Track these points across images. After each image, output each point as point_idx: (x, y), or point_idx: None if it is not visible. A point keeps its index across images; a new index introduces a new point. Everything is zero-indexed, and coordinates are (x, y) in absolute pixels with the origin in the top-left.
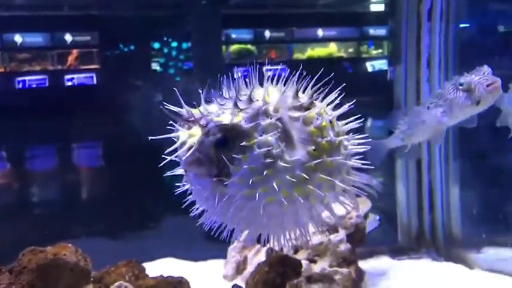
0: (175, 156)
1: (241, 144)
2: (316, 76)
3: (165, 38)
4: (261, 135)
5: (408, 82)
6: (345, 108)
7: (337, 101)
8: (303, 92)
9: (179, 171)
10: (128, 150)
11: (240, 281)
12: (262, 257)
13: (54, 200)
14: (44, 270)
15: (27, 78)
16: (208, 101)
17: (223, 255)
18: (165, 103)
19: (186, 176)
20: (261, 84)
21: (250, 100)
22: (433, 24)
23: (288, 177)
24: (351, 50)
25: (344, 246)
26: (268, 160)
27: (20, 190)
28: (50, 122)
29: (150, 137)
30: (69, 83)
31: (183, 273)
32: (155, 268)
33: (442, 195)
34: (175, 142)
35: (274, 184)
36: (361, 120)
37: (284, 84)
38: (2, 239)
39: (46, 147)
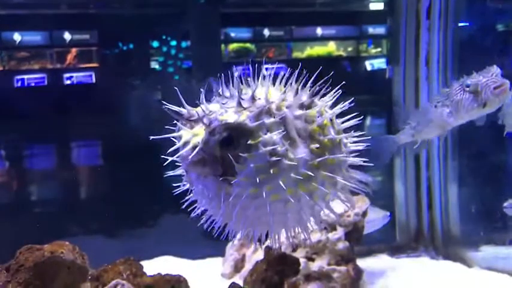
0: (176, 156)
1: (247, 142)
2: (315, 74)
3: (164, 37)
4: (266, 134)
5: (407, 80)
6: (344, 106)
7: (336, 99)
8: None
9: (179, 171)
10: (127, 149)
11: (238, 279)
12: (260, 255)
13: (52, 198)
14: (40, 268)
15: (26, 76)
16: (208, 100)
17: (221, 253)
18: (165, 102)
19: (187, 176)
20: (261, 83)
21: (253, 99)
22: (432, 22)
23: (293, 175)
24: (350, 49)
25: (342, 245)
26: (273, 158)
27: (18, 189)
28: (49, 120)
29: (151, 137)
30: (68, 82)
31: (181, 271)
32: (153, 266)
33: (441, 193)
34: (175, 141)
35: (281, 182)
36: (360, 119)
37: (284, 83)
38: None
39: (44, 146)
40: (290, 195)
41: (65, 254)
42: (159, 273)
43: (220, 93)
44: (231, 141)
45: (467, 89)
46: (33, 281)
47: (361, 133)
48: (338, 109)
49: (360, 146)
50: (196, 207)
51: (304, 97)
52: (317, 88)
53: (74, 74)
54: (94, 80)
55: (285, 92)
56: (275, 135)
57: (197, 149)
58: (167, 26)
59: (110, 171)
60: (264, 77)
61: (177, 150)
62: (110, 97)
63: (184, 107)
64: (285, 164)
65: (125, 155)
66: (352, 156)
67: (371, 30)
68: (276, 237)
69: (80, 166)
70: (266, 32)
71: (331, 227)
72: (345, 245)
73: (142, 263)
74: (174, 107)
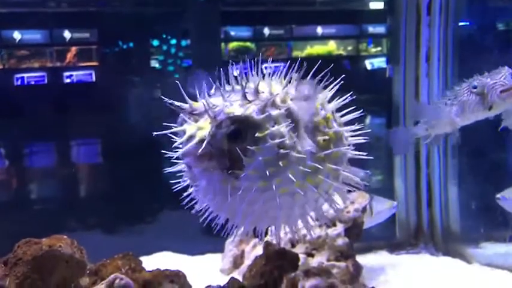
0: (180, 151)
1: (255, 135)
2: (313, 71)
3: (164, 36)
4: (273, 126)
5: (407, 78)
6: (343, 99)
7: (334, 95)
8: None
9: (179, 167)
10: (126, 146)
11: (237, 274)
12: (259, 250)
13: (51, 195)
14: (39, 262)
15: (25, 75)
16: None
17: (220, 249)
18: (166, 98)
19: (189, 172)
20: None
21: (257, 92)
22: (433, 18)
23: (301, 167)
24: (350, 48)
25: (342, 240)
26: (282, 151)
27: (18, 186)
28: (49, 119)
29: (154, 133)
30: (68, 80)
31: (180, 267)
32: (152, 262)
33: (441, 190)
34: (174, 138)
35: (290, 175)
36: (361, 117)
37: (284, 78)
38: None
39: (44, 144)
40: (298, 188)
41: (63, 248)
42: (157, 269)
43: (219, 87)
44: (238, 134)
45: (474, 90)
46: (31, 275)
47: (361, 126)
48: (339, 102)
49: (361, 140)
50: (196, 203)
51: (306, 90)
52: (316, 82)
53: (74, 73)
54: (94, 79)
55: (286, 85)
56: (282, 128)
57: (205, 143)
58: (167, 24)
59: (109, 169)
60: (264, 73)
61: (177, 146)
62: (110, 96)
63: (186, 102)
64: (293, 157)
65: (125, 153)
66: (352, 150)
67: (371, 29)
68: (279, 231)
69: (79, 164)
70: (266, 30)
71: (331, 223)
72: (344, 241)
73: (142, 258)
74: (176, 102)
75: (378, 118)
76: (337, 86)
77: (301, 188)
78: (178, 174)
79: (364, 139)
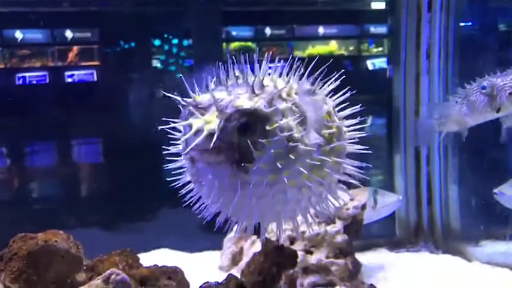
0: (186, 146)
1: (265, 128)
2: (314, 69)
3: (166, 35)
4: (281, 120)
5: (407, 75)
6: (343, 94)
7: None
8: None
9: (179, 163)
10: (126, 145)
11: (235, 272)
12: (258, 247)
13: (52, 193)
14: (34, 257)
15: (27, 74)
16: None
17: (219, 246)
18: (170, 94)
19: (193, 167)
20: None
21: (262, 86)
22: (433, 15)
23: (308, 160)
24: (351, 48)
25: (341, 238)
26: (291, 144)
27: (19, 184)
28: (50, 118)
29: (160, 127)
30: (70, 80)
31: (179, 264)
32: (150, 259)
33: (441, 188)
34: (176, 134)
35: (300, 167)
36: (362, 116)
37: (287, 74)
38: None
39: (46, 144)
40: (306, 181)
41: (59, 243)
42: (155, 265)
43: (224, 80)
44: (248, 127)
45: (483, 91)
46: (27, 270)
47: (359, 120)
48: (338, 97)
49: (359, 134)
50: (196, 200)
51: (309, 85)
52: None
53: (76, 72)
54: (95, 78)
55: (289, 81)
56: (290, 121)
57: (215, 136)
58: (169, 24)
59: (109, 167)
60: (266, 70)
61: (177, 142)
62: (111, 95)
63: (189, 96)
64: (302, 150)
65: (125, 151)
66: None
67: (373, 29)
68: (281, 227)
69: (79, 162)
70: (268, 30)
71: (329, 220)
72: (343, 238)
73: (140, 255)
74: (179, 96)
75: (379, 118)
76: (338, 82)
77: (309, 180)
78: (176, 171)
79: (362, 133)
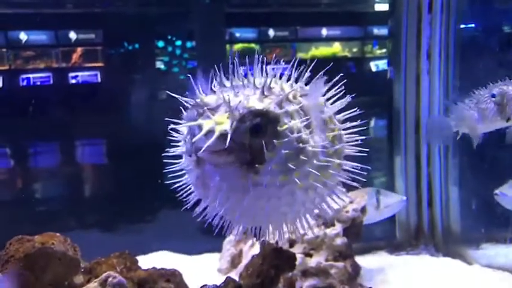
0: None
1: (276, 129)
2: (310, 68)
3: (169, 37)
4: (290, 121)
5: (408, 76)
6: (344, 101)
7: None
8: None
9: (184, 164)
10: (128, 146)
11: (234, 274)
12: (257, 250)
13: (53, 194)
14: (31, 260)
15: (31, 75)
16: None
17: (219, 248)
18: (176, 95)
19: (197, 169)
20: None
21: (270, 87)
22: (434, 16)
23: (315, 161)
24: (355, 50)
25: (340, 240)
26: (300, 145)
27: (22, 185)
28: (54, 119)
29: (172, 126)
30: (73, 81)
31: (178, 266)
32: (150, 261)
33: (441, 190)
34: (178, 135)
35: (310, 168)
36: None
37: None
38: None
39: (49, 145)
40: (314, 182)
41: (56, 246)
42: (153, 267)
43: (231, 82)
44: (260, 128)
45: (493, 99)
46: (23, 272)
47: (358, 123)
48: (340, 103)
49: (358, 137)
50: (196, 202)
51: (314, 88)
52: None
53: (79, 73)
54: (99, 80)
55: (293, 83)
56: (299, 123)
57: (228, 137)
58: (172, 25)
59: (110, 169)
60: (270, 72)
61: (176, 144)
62: (115, 96)
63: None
64: (310, 151)
65: (126, 153)
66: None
67: (376, 31)
68: (282, 229)
69: (81, 164)
70: (271, 32)
71: (329, 223)
72: (343, 240)
73: (139, 257)
74: (186, 97)
75: (382, 120)
76: (340, 86)
77: (316, 181)
78: (177, 173)
79: (361, 137)
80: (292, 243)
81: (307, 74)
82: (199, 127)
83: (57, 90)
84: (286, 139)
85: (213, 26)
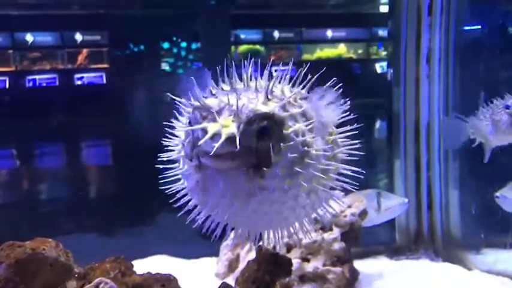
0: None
1: (282, 132)
2: (308, 69)
3: (175, 38)
4: (294, 124)
5: (407, 78)
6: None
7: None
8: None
9: (184, 168)
10: (130, 149)
11: (232, 279)
12: (254, 255)
13: (57, 196)
14: (21, 265)
15: (37, 77)
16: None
17: (216, 252)
18: (176, 99)
19: (198, 173)
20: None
21: (272, 91)
22: (434, 19)
23: (318, 165)
24: (360, 51)
25: (338, 245)
26: (305, 148)
27: (23, 186)
28: (59, 120)
29: (174, 129)
30: (79, 82)
31: (175, 270)
32: (147, 265)
33: (441, 194)
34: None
35: (315, 172)
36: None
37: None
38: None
39: (55, 146)
40: (317, 186)
41: (47, 251)
42: (148, 272)
43: (233, 85)
44: (268, 131)
45: (507, 110)
46: (14, 278)
47: (352, 127)
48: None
49: (352, 142)
50: (194, 206)
51: (316, 91)
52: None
53: (85, 75)
54: (105, 81)
55: (293, 86)
56: (303, 126)
57: (237, 140)
58: (177, 27)
59: (112, 171)
60: (272, 75)
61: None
62: (121, 98)
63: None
64: (314, 154)
65: (128, 155)
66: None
67: (381, 32)
68: (282, 235)
69: (84, 165)
70: (276, 33)
71: (327, 227)
72: (340, 245)
73: (137, 261)
74: (188, 100)
75: (383, 122)
76: (343, 89)
77: (319, 185)
78: (174, 177)
79: (358, 139)
80: (289, 248)
81: (310, 77)
82: (204, 130)
83: (63, 92)
84: (292, 142)
85: (218, 28)
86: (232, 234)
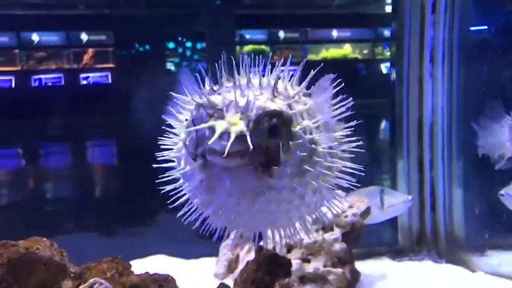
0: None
1: (290, 130)
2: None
3: (180, 38)
4: (301, 122)
5: (411, 78)
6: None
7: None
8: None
9: (186, 168)
10: (135, 149)
11: (231, 279)
12: (254, 255)
13: (58, 196)
14: (15, 265)
15: (43, 76)
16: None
17: (216, 253)
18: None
19: (203, 172)
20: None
21: (276, 88)
22: (437, 16)
23: (325, 163)
24: (366, 52)
25: (339, 246)
26: (313, 146)
27: (25, 185)
28: (65, 119)
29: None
30: (85, 82)
31: (174, 271)
32: (146, 265)
33: (444, 195)
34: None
35: (323, 170)
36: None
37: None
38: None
39: (60, 145)
40: (324, 184)
41: (41, 251)
42: (146, 272)
43: (237, 82)
44: (276, 128)
45: None
46: (7, 278)
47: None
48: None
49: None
50: (195, 207)
51: (319, 89)
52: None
53: (91, 74)
54: (110, 81)
55: (297, 84)
56: (310, 123)
57: (248, 138)
58: (183, 27)
59: (114, 170)
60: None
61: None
62: (126, 97)
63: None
64: (321, 152)
65: (131, 155)
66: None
67: (386, 33)
68: (285, 235)
69: (88, 165)
70: (281, 34)
71: (329, 227)
72: (341, 246)
73: (136, 261)
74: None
75: (388, 122)
76: (347, 88)
77: (325, 183)
78: (175, 178)
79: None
80: (290, 248)
81: (314, 76)
82: (212, 129)
83: (69, 91)
84: (301, 140)
85: (224, 28)
86: (232, 235)
